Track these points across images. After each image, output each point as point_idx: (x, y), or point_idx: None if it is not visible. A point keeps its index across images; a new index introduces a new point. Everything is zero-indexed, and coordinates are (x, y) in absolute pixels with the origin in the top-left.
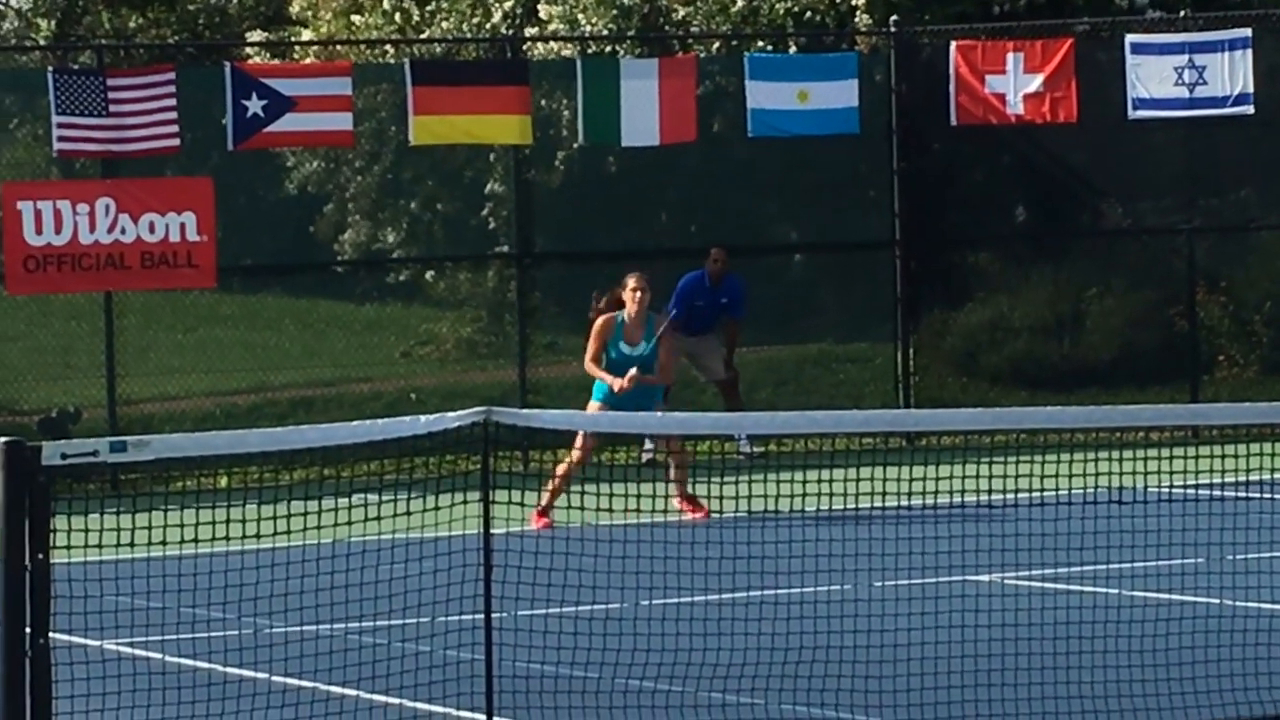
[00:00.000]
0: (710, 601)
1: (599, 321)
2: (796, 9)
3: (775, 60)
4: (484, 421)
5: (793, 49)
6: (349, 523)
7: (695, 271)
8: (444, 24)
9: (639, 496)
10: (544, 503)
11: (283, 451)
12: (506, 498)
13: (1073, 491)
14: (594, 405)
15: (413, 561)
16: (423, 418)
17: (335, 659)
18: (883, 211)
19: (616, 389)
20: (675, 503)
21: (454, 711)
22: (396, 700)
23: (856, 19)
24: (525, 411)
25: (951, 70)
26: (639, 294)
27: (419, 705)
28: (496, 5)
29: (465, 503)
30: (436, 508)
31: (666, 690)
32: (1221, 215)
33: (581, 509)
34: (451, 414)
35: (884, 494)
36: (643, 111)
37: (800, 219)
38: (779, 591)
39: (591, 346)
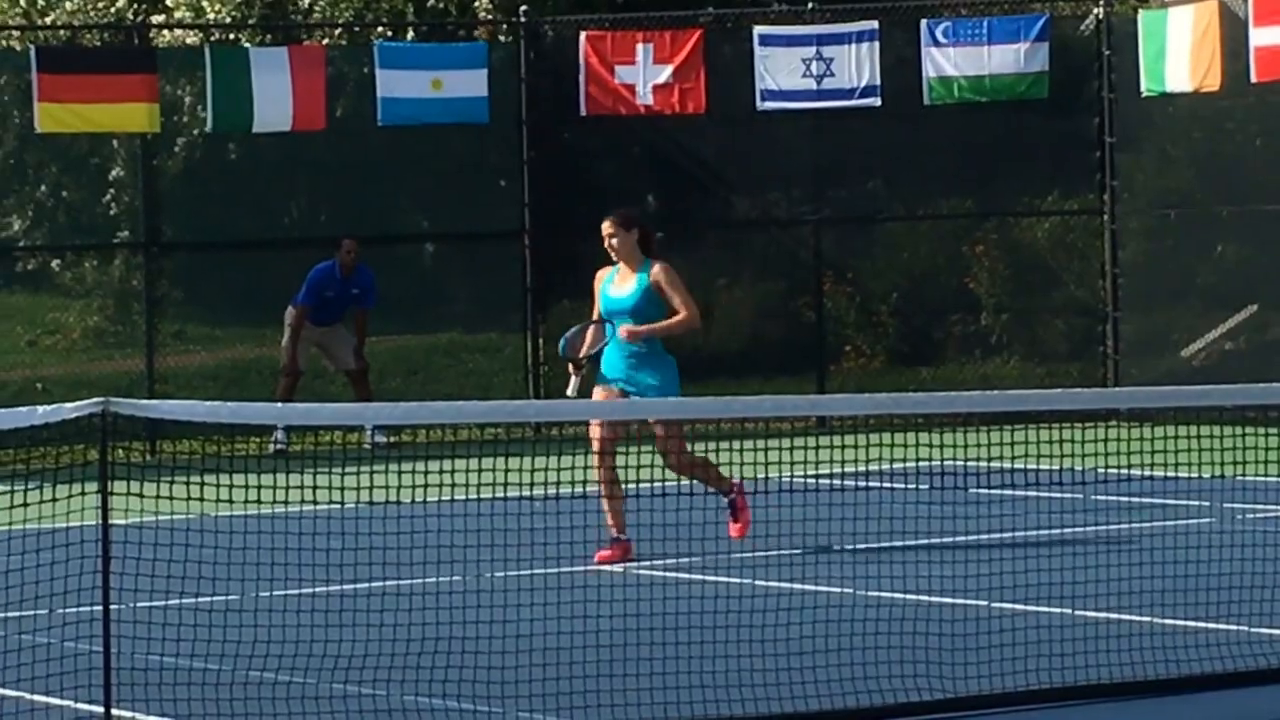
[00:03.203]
0: (332, 593)
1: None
2: None
3: (406, 49)
4: (102, 412)
5: (410, 36)
6: None
7: (326, 262)
8: (68, 6)
9: (260, 488)
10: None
11: None
12: (125, 489)
13: (697, 481)
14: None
15: (30, 554)
16: (40, 408)
17: None
18: (512, 201)
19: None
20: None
21: (73, 704)
22: (15, 693)
23: (477, 5)
24: (144, 402)
25: (581, 60)
26: (609, 239)
27: (37, 698)
28: None
29: (84, 494)
30: (54, 499)
31: (288, 681)
32: (849, 206)
33: (201, 500)
34: (69, 404)
35: (506, 485)
36: (273, 100)
37: (430, 208)
38: (401, 582)
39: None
